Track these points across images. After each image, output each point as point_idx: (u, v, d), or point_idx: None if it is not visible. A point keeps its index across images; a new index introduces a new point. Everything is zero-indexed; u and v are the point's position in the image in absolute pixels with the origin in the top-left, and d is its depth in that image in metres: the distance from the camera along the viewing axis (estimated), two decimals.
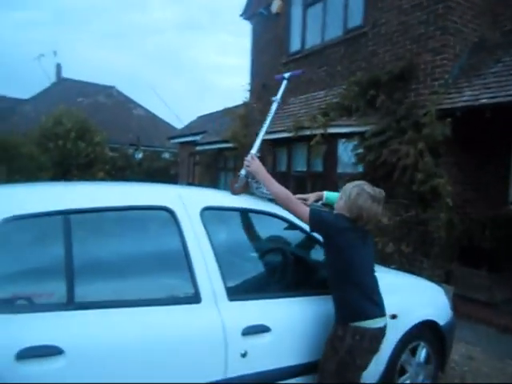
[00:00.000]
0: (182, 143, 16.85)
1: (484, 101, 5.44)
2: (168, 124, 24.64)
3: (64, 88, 23.91)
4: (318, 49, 8.62)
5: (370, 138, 6.54)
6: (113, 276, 2.23)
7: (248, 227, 2.81)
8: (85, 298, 2.00)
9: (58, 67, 26.31)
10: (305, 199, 2.82)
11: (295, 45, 9.36)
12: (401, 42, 6.82)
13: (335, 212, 2.54)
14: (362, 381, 2.49)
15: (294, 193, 2.70)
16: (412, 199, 6.20)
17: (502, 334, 4.94)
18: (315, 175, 7.76)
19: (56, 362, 1.81)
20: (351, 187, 2.48)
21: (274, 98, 3.04)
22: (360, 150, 6.81)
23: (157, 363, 2.05)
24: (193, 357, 2.15)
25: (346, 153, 7.21)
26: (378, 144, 6.42)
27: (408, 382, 3.06)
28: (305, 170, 8.14)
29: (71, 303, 1.95)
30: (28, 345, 1.78)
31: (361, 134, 6.75)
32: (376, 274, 2.70)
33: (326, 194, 2.91)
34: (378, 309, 2.41)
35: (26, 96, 24.12)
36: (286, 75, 3.17)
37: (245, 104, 10.94)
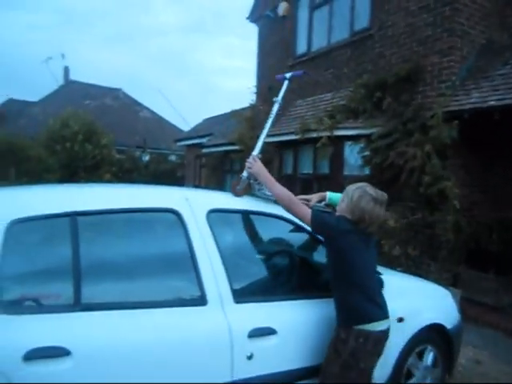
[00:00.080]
0: (188, 146, 16.89)
1: (492, 103, 5.41)
2: (174, 126, 24.72)
3: (71, 90, 24.06)
4: (324, 51, 8.62)
5: (376, 141, 6.52)
6: (119, 278, 2.24)
7: (254, 229, 2.81)
8: (91, 299, 2.01)
9: (66, 70, 26.49)
10: (308, 200, 2.80)
11: (301, 47, 9.36)
12: (408, 44, 6.80)
13: (337, 214, 2.52)
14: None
15: (300, 195, 2.69)
16: (419, 202, 6.18)
17: (509, 338, 4.90)
18: (321, 177, 7.75)
19: (63, 363, 1.82)
20: (353, 189, 2.46)
21: (275, 99, 3.03)
22: (367, 153, 6.79)
23: (163, 365, 2.06)
24: (199, 359, 2.15)
25: (353, 155, 7.19)
26: (385, 146, 6.40)
27: None
28: (311, 172, 8.14)
29: (78, 304, 1.96)
30: (35, 346, 1.79)
31: (367, 137, 6.73)
32: (383, 276, 2.70)
33: (329, 194, 2.87)
34: (381, 311, 2.40)
35: (34, 98, 24.34)
36: (287, 75, 3.15)
37: (251, 106, 10.96)
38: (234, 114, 11.65)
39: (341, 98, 7.69)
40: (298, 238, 2.87)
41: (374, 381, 2.51)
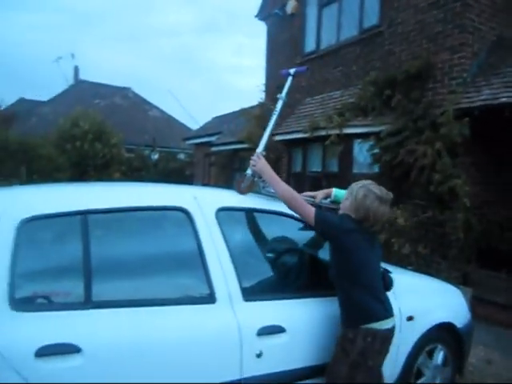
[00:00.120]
0: (197, 144, 16.92)
1: (503, 99, 5.35)
2: (183, 125, 24.78)
3: (81, 90, 24.23)
4: (333, 49, 8.58)
5: (386, 138, 6.48)
6: (129, 275, 2.25)
7: (263, 228, 2.80)
8: (102, 297, 2.03)
9: (76, 69, 26.69)
10: (313, 197, 2.78)
11: (310, 45, 9.33)
12: (417, 40, 6.75)
13: (341, 212, 2.50)
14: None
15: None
16: (429, 200, 6.13)
17: None
18: (330, 176, 7.72)
19: (74, 359, 1.84)
20: (358, 187, 2.43)
21: (278, 96, 3.00)
22: (376, 150, 6.75)
23: (172, 362, 2.07)
24: (208, 356, 2.16)
25: (362, 153, 7.17)
26: (395, 144, 6.36)
27: None
28: (320, 170, 8.12)
29: (89, 302, 1.98)
30: (47, 343, 1.81)
31: (377, 134, 6.69)
32: (392, 275, 2.68)
33: (334, 191, 2.82)
34: (386, 310, 2.39)
35: (44, 98, 24.55)
36: (291, 71, 3.13)
37: (260, 105, 10.95)
38: (243, 112, 11.65)
39: (350, 95, 7.66)
40: (307, 236, 2.87)
41: (383, 379, 2.50)
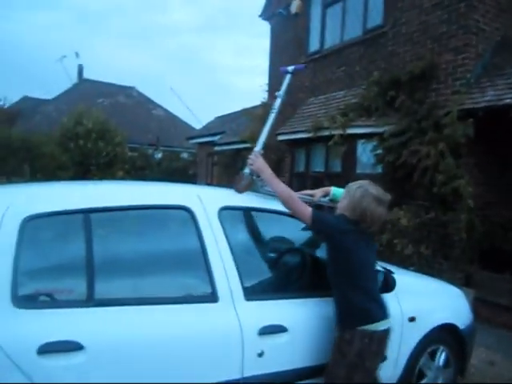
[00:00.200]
0: (200, 143, 16.95)
1: (508, 101, 5.33)
2: (187, 124, 24.80)
3: (85, 88, 24.26)
4: (337, 49, 8.58)
5: (389, 139, 6.47)
6: (132, 274, 2.26)
7: (265, 227, 2.80)
8: (104, 295, 2.03)
9: (80, 68, 26.72)
10: (312, 195, 2.77)
11: (314, 45, 9.33)
12: (421, 41, 6.74)
13: (337, 212, 2.49)
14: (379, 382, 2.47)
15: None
16: (432, 201, 6.12)
17: None
18: (333, 176, 7.71)
19: (76, 357, 1.85)
20: (355, 188, 2.41)
21: (277, 94, 2.98)
22: (379, 151, 6.75)
23: (173, 361, 2.07)
24: (209, 355, 2.16)
25: (365, 153, 7.16)
26: (398, 144, 6.35)
27: None
28: (323, 170, 8.12)
29: (91, 300, 1.98)
30: (49, 340, 1.81)
31: (380, 135, 6.68)
32: (395, 275, 2.67)
33: (333, 189, 2.80)
34: (382, 311, 2.37)
35: (48, 96, 24.60)
36: (290, 69, 3.09)
37: (263, 104, 10.95)
38: (246, 112, 11.66)
39: (353, 95, 7.65)
40: (307, 236, 2.87)
41: (380, 380, 2.49)
